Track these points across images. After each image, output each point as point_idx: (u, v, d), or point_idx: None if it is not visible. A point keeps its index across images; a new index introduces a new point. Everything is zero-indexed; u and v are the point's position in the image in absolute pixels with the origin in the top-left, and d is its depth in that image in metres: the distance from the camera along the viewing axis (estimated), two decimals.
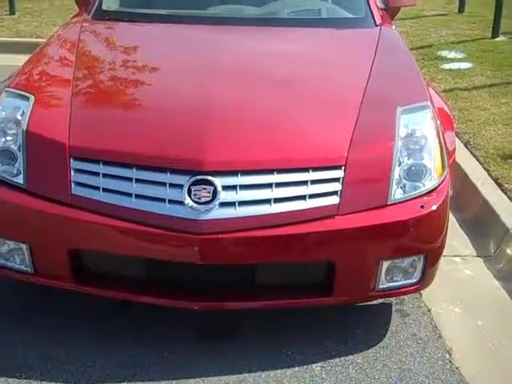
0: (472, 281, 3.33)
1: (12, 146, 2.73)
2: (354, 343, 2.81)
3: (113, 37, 3.70)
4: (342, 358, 2.72)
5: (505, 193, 3.89)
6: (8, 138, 2.76)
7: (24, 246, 2.67)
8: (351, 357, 2.73)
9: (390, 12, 4.23)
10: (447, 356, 2.75)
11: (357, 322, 2.94)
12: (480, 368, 2.71)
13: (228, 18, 3.84)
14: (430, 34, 7.83)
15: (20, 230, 2.67)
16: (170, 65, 3.29)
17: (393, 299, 3.05)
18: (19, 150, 2.70)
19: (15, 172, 2.69)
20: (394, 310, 3.04)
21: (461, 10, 8.90)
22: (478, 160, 4.35)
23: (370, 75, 3.12)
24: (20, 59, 4.07)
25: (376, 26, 3.79)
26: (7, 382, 2.55)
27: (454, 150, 3.21)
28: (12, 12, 8.45)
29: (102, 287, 2.71)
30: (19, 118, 2.78)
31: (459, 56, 6.89)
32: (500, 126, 4.89)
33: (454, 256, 3.49)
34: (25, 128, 2.72)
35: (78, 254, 2.65)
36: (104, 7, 3.89)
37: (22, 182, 2.66)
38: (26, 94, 2.90)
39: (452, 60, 6.73)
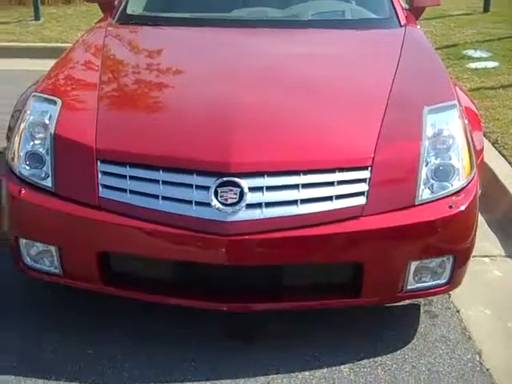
0: (501, 282, 3.28)
1: (40, 150, 2.76)
2: (383, 344, 2.78)
3: (137, 41, 3.72)
4: (371, 359, 2.70)
5: None
6: (36, 142, 2.79)
7: (53, 249, 2.69)
8: (380, 358, 2.71)
9: (415, 12, 4.20)
10: (477, 358, 2.72)
11: (385, 323, 2.92)
12: (511, 370, 2.67)
13: (252, 20, 3.84)
14: (455, 33, 7.78)
15: (49, 232, 2.69)
16: (194, 68, 3.29)
17: (421, 300, 3.02)
18: (47, 154, 2.73)
19: (43, 175, 2.71)
20: (422, 311, 3.01)
21: (486, 9, 8.83)
22: (506, 159, 4.30)
23: (395, 75, 3.10)
24: (45, 64, 4.15)
25: (401, 26, 3.76)
26: (36, 382, 2.58)
27: (482, 149, 3.17)
28: (37, 17, 8.57)
29: (129, 289, 2.72)
30: (47, 121, 2.81)
31: (485, 55, 6.82)
32: None
33: (483, 256, 3.45)
34: (52, 132, 2.75)
35: (107, 256, 2.66)
36: (129, 11, 3.92)
37: (50, 185, 2.68)
38: (53, 99, 2.93)
39: (478, 59, 6.67)
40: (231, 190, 2.49)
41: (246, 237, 2.47)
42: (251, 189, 2.49)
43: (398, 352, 2.75)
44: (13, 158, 2.82)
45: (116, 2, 4.15)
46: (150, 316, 2.92)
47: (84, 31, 7.97)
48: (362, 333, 2.86)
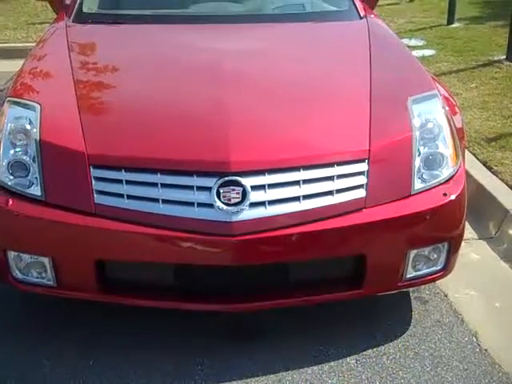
0: (480, 263, 3.40)
1: (24, 157, 2.64)
2: (382, 334, 2.83)
3: (103, 40, 3.58)
4: (374, 349, 2.74)
5: (495, 175, 3.99)
6: (18, 150, 2.67)
7: (46, 260, 2.59)
8: (382, 347, 2.75)
9: (369, 3, 4.27)
10: (474, 339, 2.81)
11: (380, 312, 2.97)
12: (507, 348, 2.77)
13: (212, 16, 3.80)
14: (388, 22, 7.91)
15: (42, 243, 2.58)
16: (168, 67, 3.20)
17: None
18: (33, 161, 2.61)
19: (28, 184, 2.60)
20: (412, 297, 3.07)
21: None
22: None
23: (371, 67, 3.12)
24: None
25: (360, 18, 3.80)
26: None
27: (464, 133, 3.22)
28: None
29: (127, 296, 2.65)
30: (28, 127, 2.69)
31: (420, 43, 7.03)
32: (476, 111, 5.01)
33: None
34: (37, 138, 2.63)
35: (105, 264, 2.58)
36: (84, 10, 3.79)
37: (38, 193, 2.57)
38: (31, 103, 2.80)
39: (414, 48, 6.86)
40: (234, 190, 2.47)
41: (253, 236, 2.45)
42: (253, 187, 2.48)
43: (399, 340, 2.80)
44: None
45: (68, 1, 4.02)
46: (146, 326, 2.86)
47: (11, 30, 7.73)
48: (360, 324, 2.89)
